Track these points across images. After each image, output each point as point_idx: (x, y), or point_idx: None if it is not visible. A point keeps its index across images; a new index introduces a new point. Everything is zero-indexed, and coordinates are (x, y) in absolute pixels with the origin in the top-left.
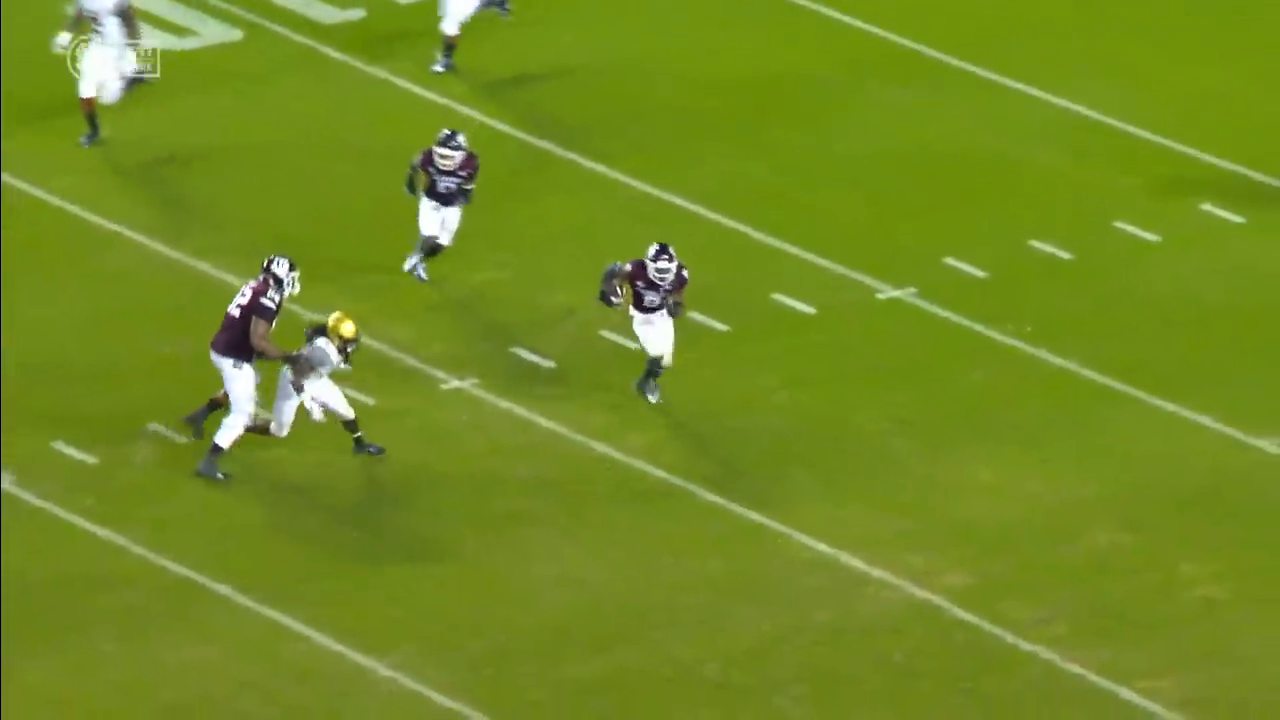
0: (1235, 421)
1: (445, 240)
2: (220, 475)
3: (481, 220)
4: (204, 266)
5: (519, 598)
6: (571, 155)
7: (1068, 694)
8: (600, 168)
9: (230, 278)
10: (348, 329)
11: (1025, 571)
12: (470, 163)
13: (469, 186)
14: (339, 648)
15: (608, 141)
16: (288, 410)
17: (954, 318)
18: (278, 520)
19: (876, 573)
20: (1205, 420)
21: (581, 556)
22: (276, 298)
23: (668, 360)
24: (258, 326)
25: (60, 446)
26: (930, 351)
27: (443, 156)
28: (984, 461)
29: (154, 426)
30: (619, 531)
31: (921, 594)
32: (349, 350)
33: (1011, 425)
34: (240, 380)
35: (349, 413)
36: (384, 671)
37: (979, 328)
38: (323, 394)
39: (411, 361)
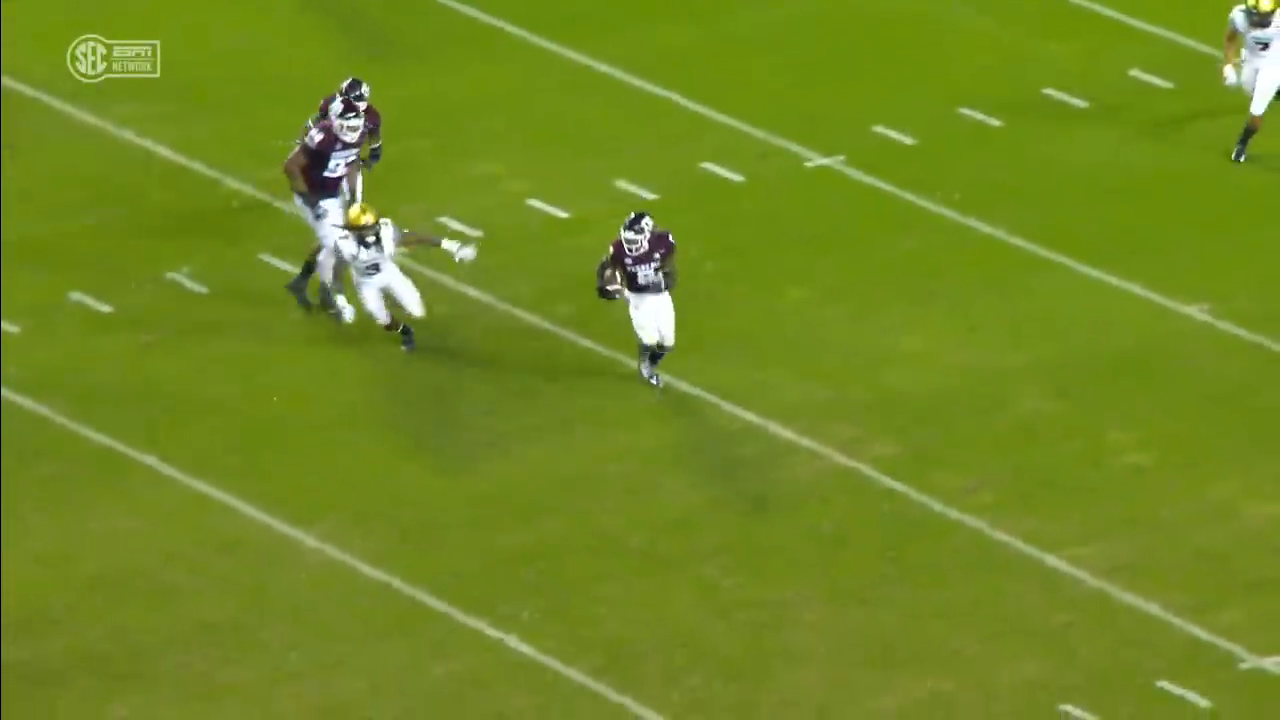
0: (1162, 288)
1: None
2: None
3: (405, 89)
4: (128, 134)
5: (447, 468)
6: (498, 23)
7: (994, 562)
8: (528, 35)
9: (155, 145)
10: (356, 217)
11: (952, 440)
12: (372, 117)
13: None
14: (265, 518)
15: (535, 10)
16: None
17: (882, 185)
18: (203, 392)
19: (804, 442)
20: (1133, 287)
21: (509, 427)
22: (317, 136)
23: (668, 342)
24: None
25: None
26: (858, 219)
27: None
28: (912, 330)
29: (76, 296)
30: (546, 402)
31: (849, 463)
32: (368, 238)
33: (939, 293)
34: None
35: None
36: (311, 542)
37: (907, 195)
38: (371, 290)
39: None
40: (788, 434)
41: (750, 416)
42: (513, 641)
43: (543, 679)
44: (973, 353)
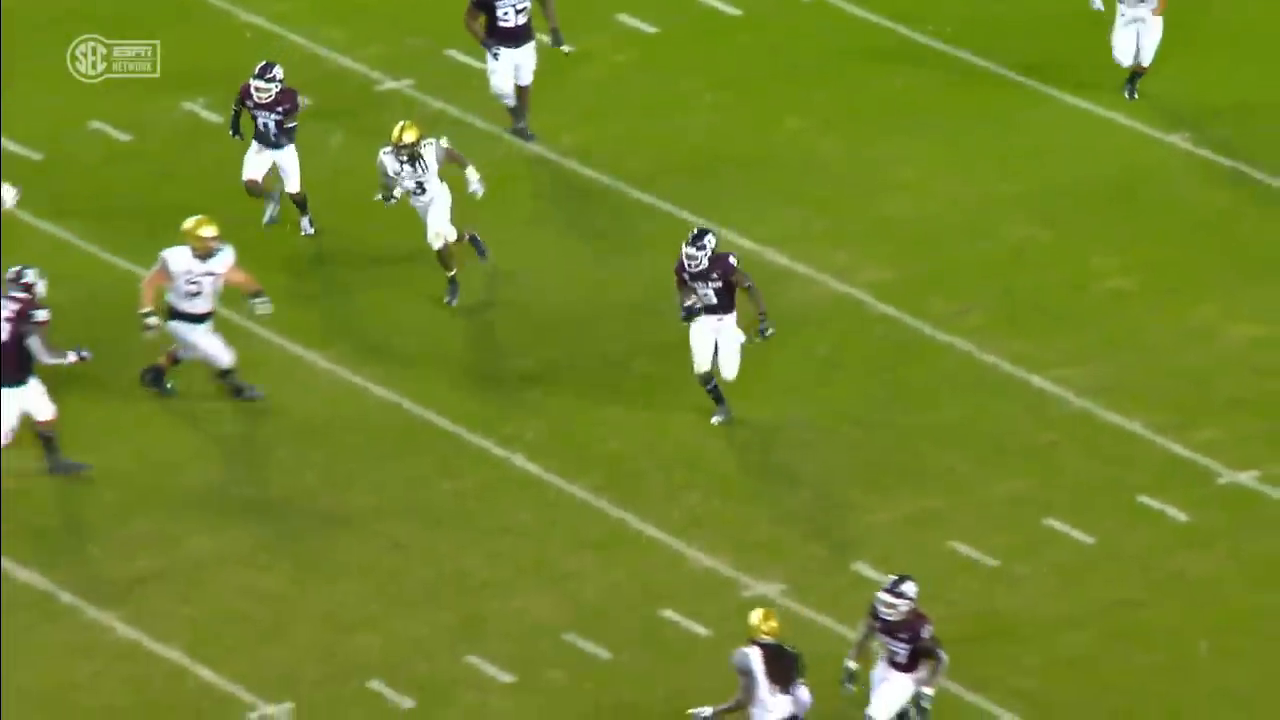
0: (1147, 118)
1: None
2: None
3: None
4: None
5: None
6: None
7: (983, 383)
8: None
9: None
10: (398, 135)
11: (943, 266)
12: (288, 97)
13: (290, 124)
14: (279, 340)
15: None
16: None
17: (876, 18)
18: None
19: (800, 268)
20: (1118, 117)
21: (514, 253)
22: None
23: (725, 373)
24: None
25: None
26: (854, 53)
27: (259, 90)
28: (904, 160)
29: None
30: (551, 228)
31: (844, 288)
32: (403, 156)
33: (931, 124)
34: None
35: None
36: (323, 364)
37: (901, 29)
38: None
39: (346, 62)
40: (784, 260)
41: (747, 243)
42: (518, 460)
43: (546, 495)
44: (963, 182)
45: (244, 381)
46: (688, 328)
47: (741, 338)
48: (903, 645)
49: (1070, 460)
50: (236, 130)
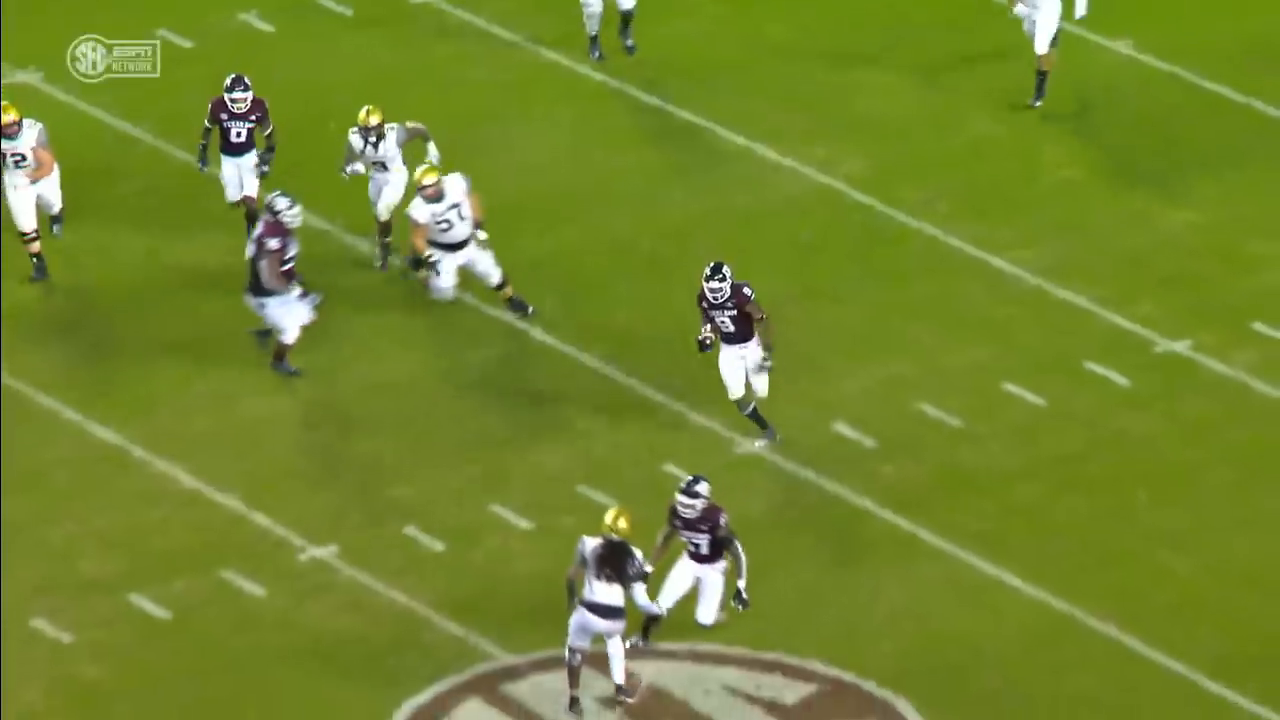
0: (1094, 27)
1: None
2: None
3: None
4: None
5: (481, 186)
6: None
7: (948, 263)
8: None
9: None
10: (364, 117)
11: (913, 159)
12: (259, 105)
13: (267, 130)
14: (323, 225)
15: None
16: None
17: None
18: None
19: (787, 162)
20: (1068, 26)
21: (531, 147)
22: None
23: (760, 392)
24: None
25: None
26: None
27: (235, 101)
28: (878, 65)
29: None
30: (564, 126)
31: (824, 179)
32: (370, 138)
33: (901, 35)
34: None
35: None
36: (363, 248)
37: None
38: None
39: None
40: (772, 154)
41: (740, 140)
42: (536, 333)
43: (562, 364)
44: (928, 83)
45: (520, 295)
46: (695, 217)
47: (762, 356)
48: (704, 537)
49: (1024, 331)
50: (204, 161)
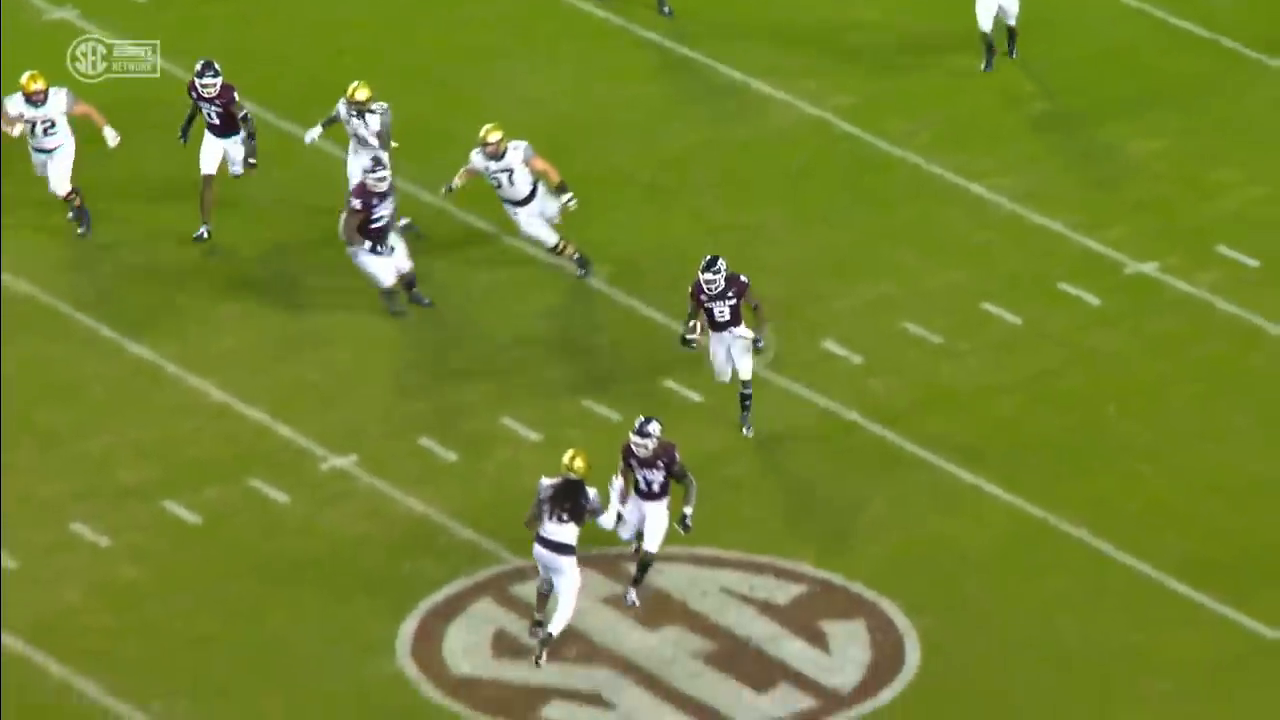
0: None
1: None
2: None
3: None
4: None
5: (485, 112)
6: None
7: (931, 190)
8: None
9: None
10: (353, 91)
11: (898, 92)
12: (226, 91)
13: (240, 114)
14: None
15: None
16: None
17: None
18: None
19: (779, 94)
20: None
21: (537, 81)
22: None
23: (743, 374)
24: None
25: None
26: None
27: (204, 86)
28: (867, 3)
29: None
30: (567, 61)
31: (815, 111)
32: (354, 111)
33: None
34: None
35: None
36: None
37: None
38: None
39: None
40: (765, 88)
41: (735, 74)
42: (544, 257)
43: (567, 284)
44: (915, 18)
45: (581, 255)
46: (693, 148)
47: (750, 336)
48: (658, 473)
49: (1002, 254)
50: (184, 135)
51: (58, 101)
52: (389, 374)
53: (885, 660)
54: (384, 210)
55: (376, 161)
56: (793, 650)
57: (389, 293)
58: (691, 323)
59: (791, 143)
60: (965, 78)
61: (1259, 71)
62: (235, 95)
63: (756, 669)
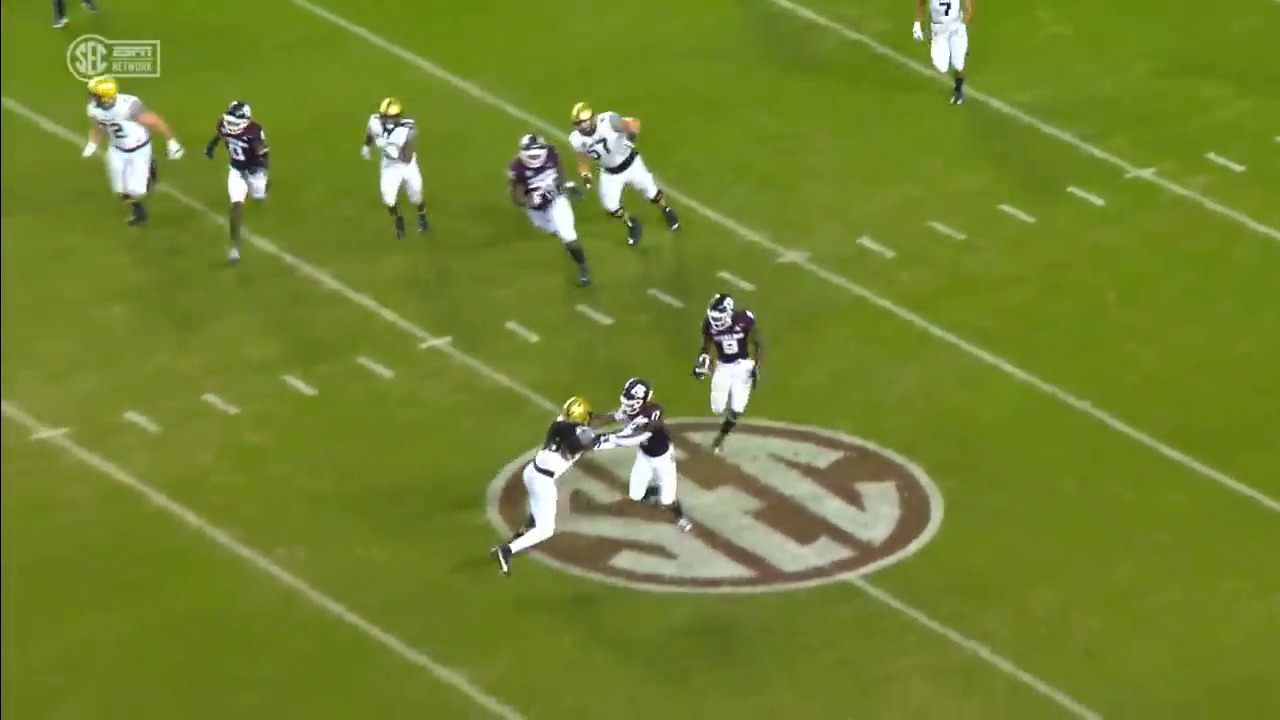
0: None
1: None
2: None
3: None
4: None
5: (561, 39)
6: None
7: (955, 106)
8: None
9: None
10: (385, 106)
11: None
12: (253, 129)
13: (262, 151)
14: (433, 70)
15: None
16: None
17: None
18: None
19: (821, 20)
20: None
21: (605, 11)
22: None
23: (737, 407)
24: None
25: None
26: None
27: (230, 123)
28: None
29: None
30: None
31: (854, 36)
32: (388, 125)
33: None
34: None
35: None
36: (475, 92)
37: None
38: None
39: None
40: (810, 14)
41: (783, 2)
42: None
43: (633, 190)
44: None
45: (670, 208)
46: (744, 68)
47: (750, 369)
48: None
49: (1017, 160)
50: (210, 153)
51: (124, 107)
52: (477, 267)
53: (913, 516)
54: (540, 181)
55: (532, 140)
56: (832, 508)
57: (572, 249)
58: (702, 356)
59: (826, 66)
60: (988, 4)
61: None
62: (261, 134)
63: (800, 524)
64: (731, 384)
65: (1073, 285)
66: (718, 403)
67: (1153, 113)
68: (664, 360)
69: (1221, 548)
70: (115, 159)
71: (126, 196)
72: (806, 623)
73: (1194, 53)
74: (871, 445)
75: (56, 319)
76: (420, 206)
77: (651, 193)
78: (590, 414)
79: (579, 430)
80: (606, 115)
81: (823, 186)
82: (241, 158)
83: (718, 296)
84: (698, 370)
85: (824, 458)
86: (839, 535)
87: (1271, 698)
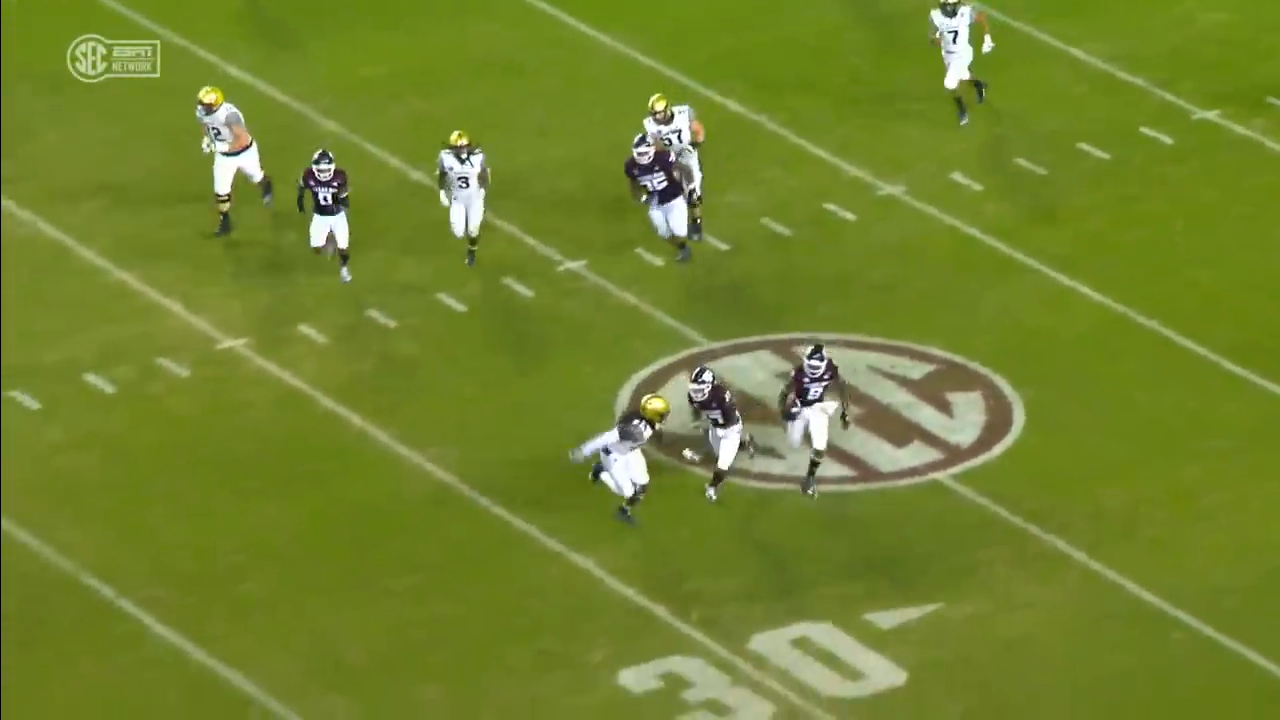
0: None
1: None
2: None
3: None
4: None
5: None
6: None
7: (1037, 52)
8: None
9: None
10: (455, 138)
11: None
12: (339, 176)
13: (343, 195)
14: None
15: None
16: None
17: None
18: None
19: None
20: None
21: None
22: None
23: (818, 444)
24: None
25: None
26: None
27: (320, 170)
28: None
29: None
30: None
31: None
32: (461, 155)
33: None
34: None
35: None
36: None
37: None
38: None
39: None
40: None
41: None
42: (731, 104)
43: (746, 126)
44: None
45: (700, 221)
46: (845, 21)
47: (830, 410)
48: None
49: (1094, 105)
50: (301, 206)
51: (222, 115)
52: (612, 199)
53: (997, 423)
54: (650, 180)
55: (641, 139)
56: (924, 415)
57: (676, 242)
58: (791, 396)
59: (866, 20)
60: None
61: None
62: (347, 180)
63: (895, 429)
64: (809, 421)
65: (1143, 216)
66: (793, 443)
67: (1219, 60)
68: (771, 282)
69: (1275, 453)
70: (224, 162)
71: (219, 197)
72: (901, 517)
73: (1257, 8)
74: (960, 359)
75: (238, 243)
76: (477, 236)
77: (695, 191)
78: (660, 414)
79: (645, 427)
80: (685, 108)
81: (918, 127)
82: (330, 203)
83: (814, 347)
84: (792, 410)
85: (917, 370)
86: (930, 439)
87: None
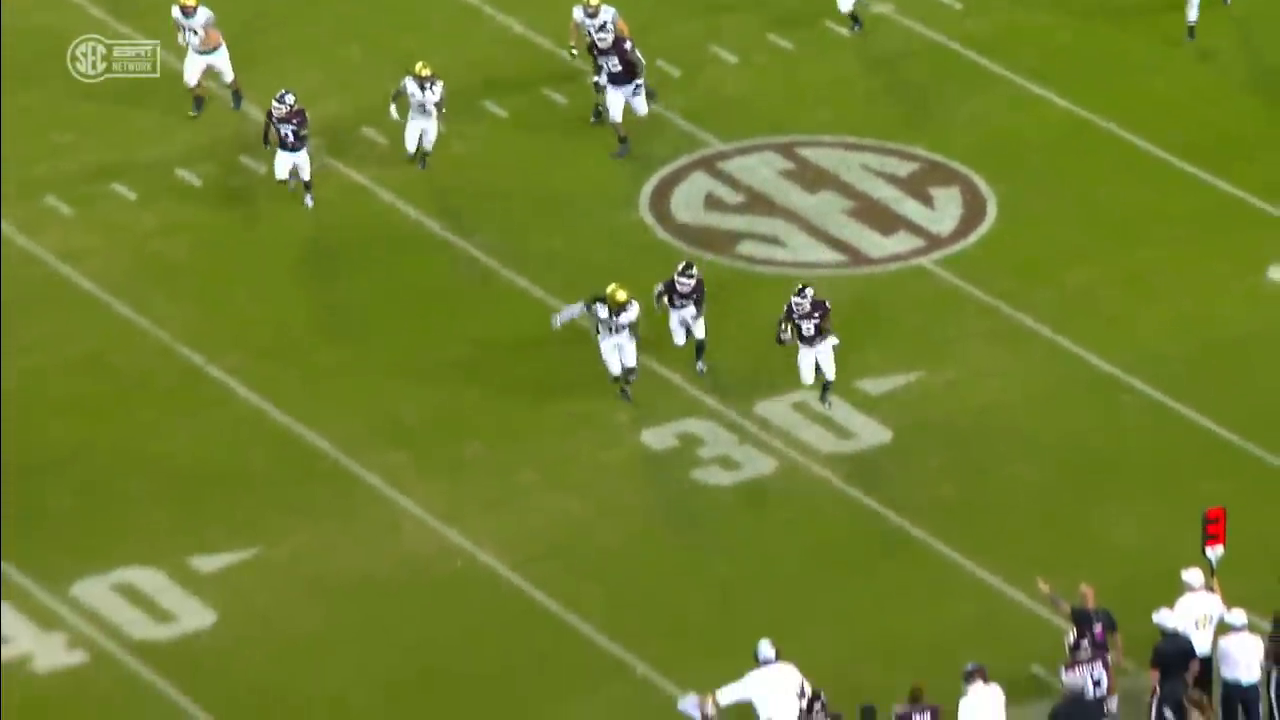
0: None
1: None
2: None
3: None
4: None
5: None
6: None
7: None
8: None
9: None
10: (419, 68)
11: None
12: (299, 114)
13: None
14: None
15: None
16: None
17: None
18: None
19: None
20: None
21: None
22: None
23: (828, 375)
24: None
25: None
26: None
27: (278, 108)
28: None
29: None
30: None
31: None
32: (424, 85)
33: None
34: None
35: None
36: None
37: None
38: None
39: None
40: None
41: None
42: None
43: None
44: None
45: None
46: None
47: (834, 344)
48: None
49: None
50: (267, 140)
51: (200, 18)
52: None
53: (973, 215)
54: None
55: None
56: (909, 207)
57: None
58: (784, 325)
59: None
60: None
61: None
62: (306, 118)
63: (884, 220)
64: (817, 358)
65: (1105, 32)
66: (806, 379)
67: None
68: (781, 86)
69: (1218, 239)
70: (187, 58)
71: (190, 88)
72: (889, 297)
73: None
74: (941, 158)
75: (305, 56)
76: (428, 151)
77: (640, 111)
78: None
79: (631, 310)
80: (610, 9)
81: (962, 85)
82: (292, 140)
83: (800, 286)
84: (782, 337)
85: (904, 168)
86: (914, 229)
87: (1252, 351)
